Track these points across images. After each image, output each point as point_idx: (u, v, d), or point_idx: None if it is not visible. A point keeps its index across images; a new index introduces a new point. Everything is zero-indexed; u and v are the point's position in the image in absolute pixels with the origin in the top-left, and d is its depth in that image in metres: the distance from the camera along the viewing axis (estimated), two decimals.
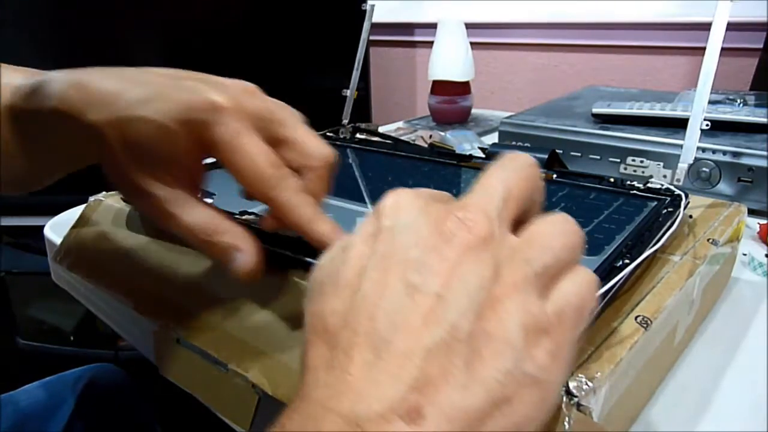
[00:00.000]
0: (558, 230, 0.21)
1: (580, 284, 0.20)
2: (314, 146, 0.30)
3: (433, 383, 0.17)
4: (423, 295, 0.18)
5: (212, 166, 0.54)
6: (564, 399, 0.24)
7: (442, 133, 0.91)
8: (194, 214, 0.29)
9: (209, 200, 0.41)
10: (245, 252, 0.28)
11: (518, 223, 0.21)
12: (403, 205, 0.21)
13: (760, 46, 1.00)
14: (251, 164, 0.28)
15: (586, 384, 0.24)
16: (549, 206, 0.43)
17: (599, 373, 0.25)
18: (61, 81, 0.28)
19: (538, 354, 0.18)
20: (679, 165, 0.42)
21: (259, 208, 0.43)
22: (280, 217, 0.29)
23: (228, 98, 0.28)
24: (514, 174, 0.22)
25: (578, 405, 0.24)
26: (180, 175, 0.29)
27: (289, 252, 0.35)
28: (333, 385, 0.18)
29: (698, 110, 0.41)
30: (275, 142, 0.30)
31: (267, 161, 0.28)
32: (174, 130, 0.27)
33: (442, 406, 0.17)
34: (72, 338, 1.25)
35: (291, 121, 0.30)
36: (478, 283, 0.19)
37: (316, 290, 0.21)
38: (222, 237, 0.28)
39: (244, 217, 0.38)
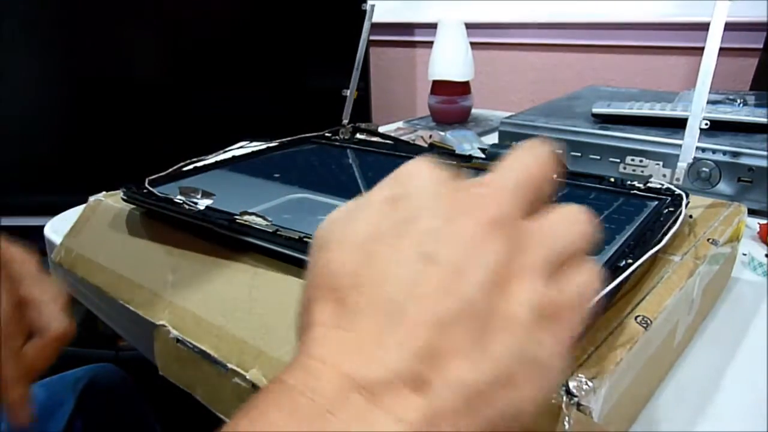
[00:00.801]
0: (572, 219, 0.21)
1: (587, 276, 0.20)
2: (52, 315, 0.34)
3: (443, 355, 0.17)
4: (438, 265, 0.18)
5: (212, 166, 0.54)
6: (564, 399, 0.24)
7: (442, 133, 0.91)
8: None
9: (209, 200, 0.41)
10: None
11: (529, 212, 0.21)
12: (424, 173, 0.21)
13: (760, 46, 1.00)
14: None
15: (587, 384, 0.24)
16: None
17: (599, 373, 0.25)
18: None
19: (546, 338, 0.18)
20: (679, 164, 0.42)
21: (259, 207, 0.43)
22: None
23: None
24: (533, 161, 0.22)
25: (578, 405, 0.24)
26: None
27: (290, 251, 0.35)
28: (339, 344, 0.18)
29: (697, 109, 0.41)
30: (27, 301, 0.34)
31: (4, 317, 0.32)
32: None
33: (449, 379, 0.17)
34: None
35: (46, 287, 0.35)
36: (494, 259, 0.18)
37: (323, 246, 0.21)
38: None
39: (244, 218, 0.38)
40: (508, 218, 0.19)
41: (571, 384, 0.24)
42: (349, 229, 0.20)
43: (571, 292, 0.19)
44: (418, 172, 0.21)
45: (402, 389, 0.17)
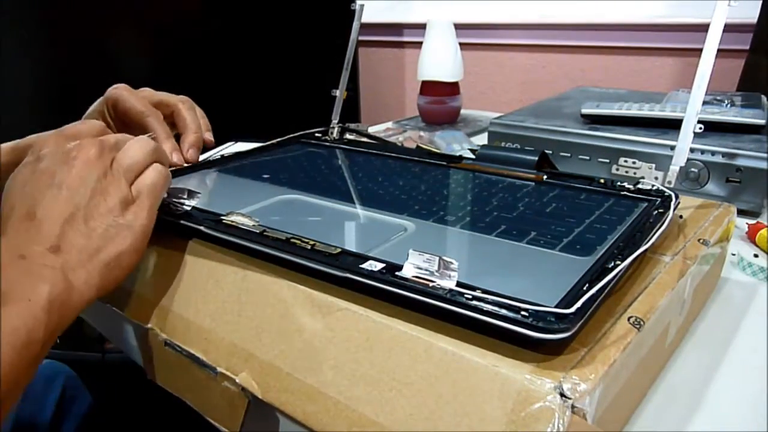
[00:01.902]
0: (139, 146, 0.37)
1: (154, 173, 0.37)
2: (167, 99, 0.53)
3: (67, 234, 0.32)
4: (59, 189, 0.33)
5: (200, 166, 0.53)
6: (558, 401, 0.23)
7: (432, 134, 0.91)
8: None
9: (194, 201, 0.41)
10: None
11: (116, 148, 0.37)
12: (49, 143, 0.36)
13: (747, 47, 1.01)
14: (131, 106, 0.50)
15: (581, 386, 0.24)
16: (540, 207, 0.42)
17: (593, 375, 0.25)
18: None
19: (128, 214, 0.35)
20: (671, 167, 0.42)
21: (248, 208, 0.42)
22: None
23: (123, 88, 0.51)
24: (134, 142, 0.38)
25: (573, 407, 0.23)
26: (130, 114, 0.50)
27: (277, 252, 0.34)
28: (10, 234, 0.32)
29: (692, 113, 0.41)
30: (157, 104, 0.52)
31: (139, 104, 0.50)
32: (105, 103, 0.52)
33: (73, 245, 0.32)
34: (57, 340, 1.23)
35: (165, 96, 0.53)
36: (94, 178, 0.34)
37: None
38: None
39: (231, 218, 0.38)
40: (101, 156, 0.35)
41: (565, 386, 0.24)
42: (15, 181, 0.35)
43: (141, 185, 0.36)
44: (45, 143, 0.36)
45: (46, 253, 0.31)
